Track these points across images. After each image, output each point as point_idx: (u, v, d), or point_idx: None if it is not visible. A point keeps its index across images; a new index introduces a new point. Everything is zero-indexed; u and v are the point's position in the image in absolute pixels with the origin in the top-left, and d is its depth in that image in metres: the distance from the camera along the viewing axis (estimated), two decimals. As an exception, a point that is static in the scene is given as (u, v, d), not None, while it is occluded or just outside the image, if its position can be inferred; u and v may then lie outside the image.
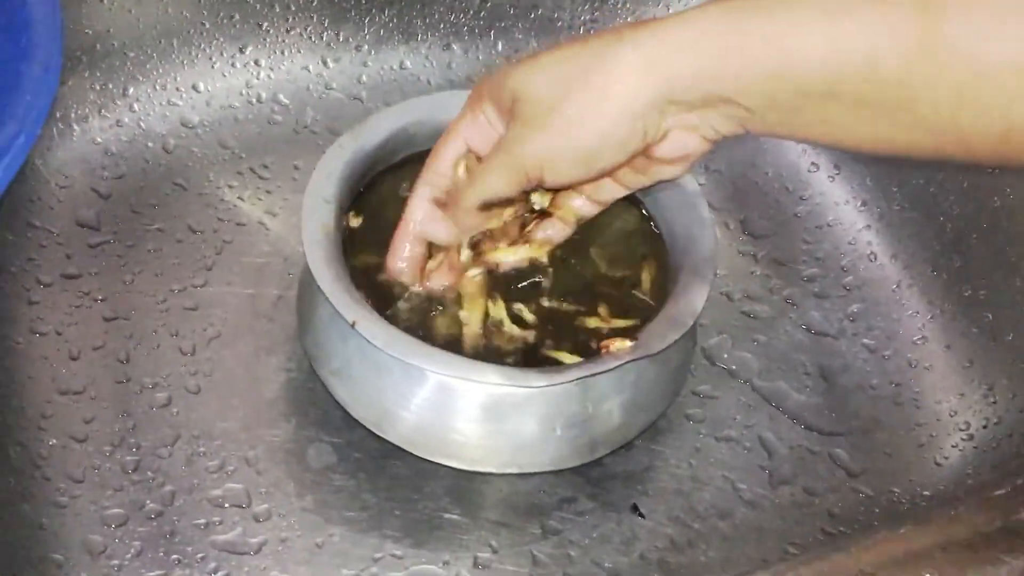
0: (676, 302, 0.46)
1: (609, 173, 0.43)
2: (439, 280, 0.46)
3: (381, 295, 0.46)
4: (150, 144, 0.59)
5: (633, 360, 0.44)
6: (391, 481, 0.49)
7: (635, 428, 0.48)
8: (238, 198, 0.58)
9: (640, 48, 0.39)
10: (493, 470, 0.47)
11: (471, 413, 0.45)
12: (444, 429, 0.46)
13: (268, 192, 0.59)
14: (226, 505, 0.48)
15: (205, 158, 0.59)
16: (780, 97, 0.38)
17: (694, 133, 0.41)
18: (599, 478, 0.50)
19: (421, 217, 0.46)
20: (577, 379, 0.43)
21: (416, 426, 0.46)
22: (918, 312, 0.58)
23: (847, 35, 0.36)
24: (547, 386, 0.43)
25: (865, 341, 0.57)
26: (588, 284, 0.48)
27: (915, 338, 0.57)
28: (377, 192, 0.50)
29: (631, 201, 0.49)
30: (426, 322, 0.46)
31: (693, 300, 0.46)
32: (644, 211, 0.50)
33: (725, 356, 0.56)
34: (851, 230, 0.61)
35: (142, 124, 0.59)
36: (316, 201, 0.48)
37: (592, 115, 0.40)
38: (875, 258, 0.60)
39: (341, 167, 0.49)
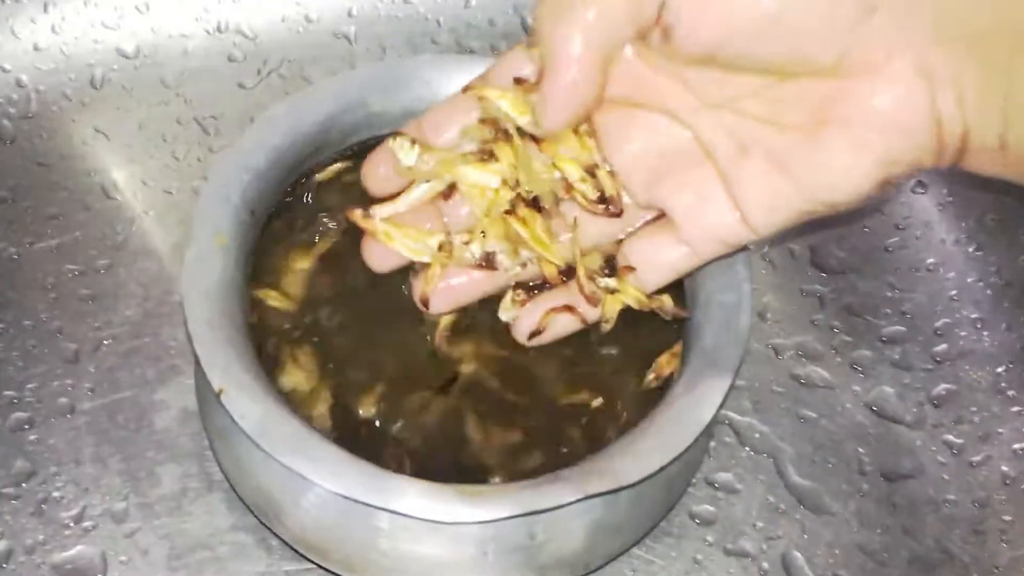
0: (671, 406, 0.33)
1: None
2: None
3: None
4: (72, 76, 0.48)
5: (592, 496, 0.31)
6: (295, 564, 0.38)
7: (604, 554, 0.36)
8: (172, 156, 0.47)
9: None
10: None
11: (374, 528, 0.33)
12: (341, 540, 0.34)
13: (211, 151, 0.48)
14: None
15: (140, 100, 0.48)
16: None
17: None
18: (558, 590, 0.39)
19: None
20: (511, 516, 0.31)
21: (308, 529, 0.35)
22: (1029, 411, 0.44)
23: None
24: (470, 523, 0.31)
25: (949, 438, 0.44)
26: (569, 362, 0.36)
27: (1018, 446, 0.43)
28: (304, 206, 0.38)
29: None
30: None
31: (698, 406, 0.33)
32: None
33: (756, 435, 0.43)
34: (957, 281, 0.47)
35: (65, 50, 0.48)
36: (215, 199, 0.36)
37: None
38: (983, 325, 0.46)
39: (265, 152, 0.37)
